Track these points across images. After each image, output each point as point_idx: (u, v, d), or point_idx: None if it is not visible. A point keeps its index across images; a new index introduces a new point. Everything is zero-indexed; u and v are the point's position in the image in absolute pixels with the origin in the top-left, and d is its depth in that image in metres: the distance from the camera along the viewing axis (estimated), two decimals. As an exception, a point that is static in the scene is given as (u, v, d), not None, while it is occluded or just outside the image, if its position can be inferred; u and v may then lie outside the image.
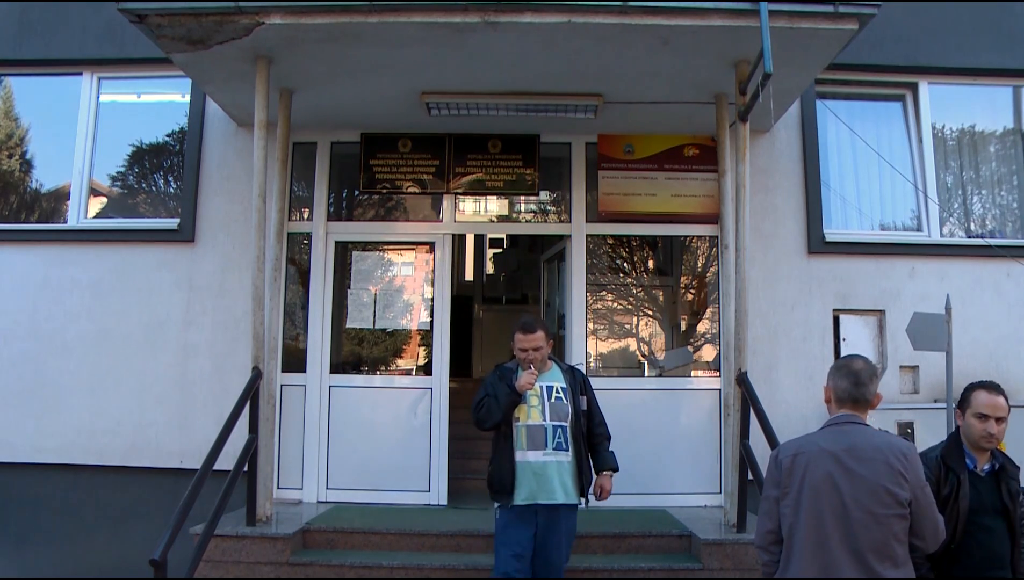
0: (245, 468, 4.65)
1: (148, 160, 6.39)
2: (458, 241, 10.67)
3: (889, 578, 2.41)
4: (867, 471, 2.44)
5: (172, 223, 6.04)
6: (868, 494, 2.42)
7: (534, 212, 7.04)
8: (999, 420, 3.09)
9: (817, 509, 2.47)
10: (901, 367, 5.81)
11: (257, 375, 4.74)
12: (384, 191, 6.08)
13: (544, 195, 6.52)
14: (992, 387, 3.16)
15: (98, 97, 6.29)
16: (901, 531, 2.45)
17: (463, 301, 10.20)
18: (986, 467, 3.13)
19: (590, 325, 6.05)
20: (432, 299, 5.95)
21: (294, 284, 6.02)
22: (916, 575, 3.05)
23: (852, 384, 2.61)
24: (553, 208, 6.61)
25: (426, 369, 5.95)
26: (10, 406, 5.86)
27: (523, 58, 4.76)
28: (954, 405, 4.25)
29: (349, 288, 6.04)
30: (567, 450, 3.90)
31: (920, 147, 6.19)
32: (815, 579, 2.45)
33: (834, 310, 5.89)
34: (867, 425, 2.59)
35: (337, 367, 5.95)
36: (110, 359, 5.86)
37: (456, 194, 6.14)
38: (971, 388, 3.21)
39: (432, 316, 5.91)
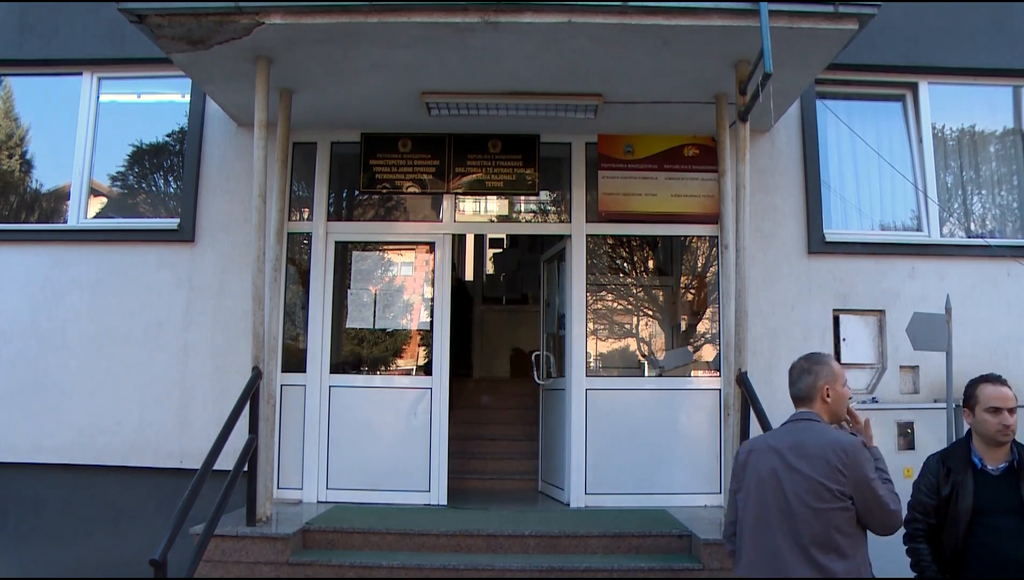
0: (245, 468, 4.65)
1: (148, 160, 6.39)
2: (458, 241, 10.68)
3: (827, 566, 2.48)
4: (807, 467, 2.55)
5: (172, 223, 6.04)
6: (806, 489, 2.53)
7: (534, 212, 7.05)
8: (1011, 411, 3.00)
9: (763, 503, 2.61)
10: (901, 367, 5.81)
11: (257, 375, 4.74)
12: (384, 191, 6.08)
13: (544, 195, 6.52)
14: (995, 379, 3.10)
15: (98, 97, 6.29)
16: (845, 523, 2.52)
17: (463, 301, 10.21)
18: (1001, 466, 3.03)
19: (590, 325, 6.05)
20: (432, 299, 5.95)
21: (294, 284, 6.02)
22: (923, 577, 3.04)
23: (790, 383, 2.80)
24: (553, 208, 6.61)
25: (426, 369, 5.95)
26: (10, 406, 5.86)
27: (523, 58, 4.76)
28: (955, 405, 4.21)
29: (349, 288, 6.05)
30: None
31: (920, 147, 6.18)
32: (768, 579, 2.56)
33: (834, 310, 5.90)
34: (819, 421, 2.68)
35: (337, 367, 5.95)
36: (110, 359, 5.86)
37: (456, 194, 6.14)
38: (974, 384, 3.13)
39: (432, 316, 5.91)
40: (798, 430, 2.67)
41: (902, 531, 3.04)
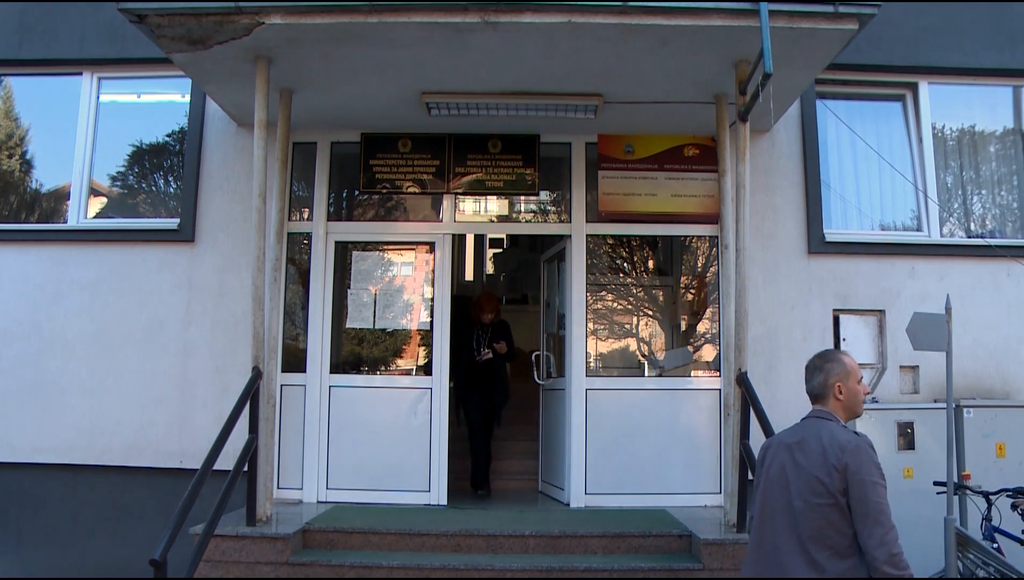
0: (245, 468, 4.65)
1: (148, 160, 6.39)
2: (458, 241, 10.68)
3: (822, 563, 2.47)
4: (807, 462, 2.58)
5: (172, 223, 6.04)
6: (805, 484, 2.56)
7: (534, 212, 7.04)
8: None
9: (771, 497, 2.67)
10: (901, 367, 5.81)
11: (257, 375, 4.74)
12: (384, 191, 6.08)
13: (544, 195, 6.52)
14: None
15: (98, 97, 6.29)
16: (839, 521, 2.50)
17: (463, 301, 10.21)
18: None
19: (590, 325, 6.05)
20: (432, 299, 5.95)
21: (294, 284, 6.02)
22: None
23: (805, 380, 2.81)
24: (553, 208, 6.61)
25: (426, 369, 5.95)
26: (10, 406, 5.86)
27: (523, 58, 4.76)
28: (955, 405, 4.12)
29: (349, 288, 6.04)
30: None
31: (920, 147, 6.19)
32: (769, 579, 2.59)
33: (834, 310, 5.90)
34: (829, 419, 2.68)
35: (337, 367, 5.95)
36: (110, 359, 5.86)
37: (456, 194, 6.14)
38: None
39: (432, 316, 5.91)
40: (806, 427, 2.71)
41: None
